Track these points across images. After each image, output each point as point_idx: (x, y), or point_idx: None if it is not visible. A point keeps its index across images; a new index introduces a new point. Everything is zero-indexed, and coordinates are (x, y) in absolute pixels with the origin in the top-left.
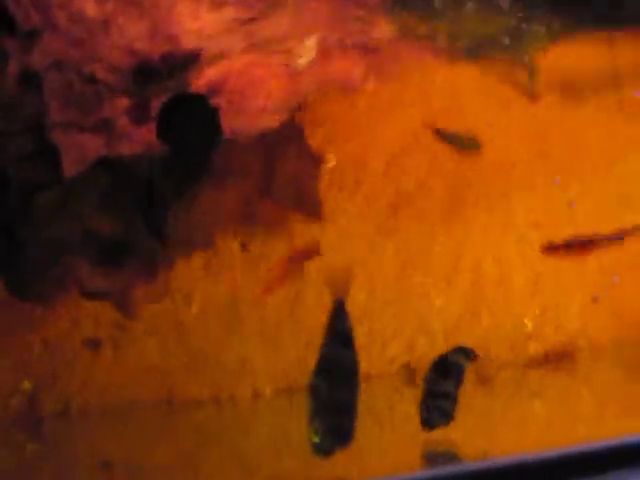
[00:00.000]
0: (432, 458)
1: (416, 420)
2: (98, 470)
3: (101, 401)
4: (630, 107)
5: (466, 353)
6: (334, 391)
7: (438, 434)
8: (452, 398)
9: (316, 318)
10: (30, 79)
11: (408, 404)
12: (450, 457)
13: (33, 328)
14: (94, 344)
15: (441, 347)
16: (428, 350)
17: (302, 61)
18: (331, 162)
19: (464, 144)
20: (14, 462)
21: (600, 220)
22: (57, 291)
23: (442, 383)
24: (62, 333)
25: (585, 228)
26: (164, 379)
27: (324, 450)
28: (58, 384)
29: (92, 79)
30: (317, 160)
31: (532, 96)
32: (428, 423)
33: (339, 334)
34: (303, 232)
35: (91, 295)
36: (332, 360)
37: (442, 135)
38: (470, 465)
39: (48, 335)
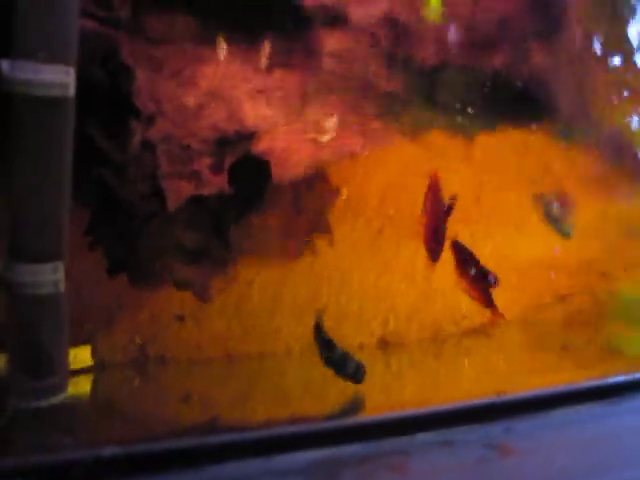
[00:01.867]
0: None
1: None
2: (182, 400)
3: (185, 355)
4: None
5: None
6: (343, 369)
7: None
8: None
9: (324, 300)
10: (148, 146)
11: (382, 364)
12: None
13: (142, 305)
14: (180, 318)
15: (404, 324)
16: (396, 326)
17: (324, 138)
18: (344, 195)
19: None
20: (127, 391)
21: None
22: (158, 281)
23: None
24: (160, 309)
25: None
26: (227, 342)
27: (360, 380)
28: (157, 342)
29: (188, 147)
30: (332, 195)
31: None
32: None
33: (326, 346)
34: (322, 245)
35: (180, 284)
36: (334, 359)
37: None
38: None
39: (151, 310)
